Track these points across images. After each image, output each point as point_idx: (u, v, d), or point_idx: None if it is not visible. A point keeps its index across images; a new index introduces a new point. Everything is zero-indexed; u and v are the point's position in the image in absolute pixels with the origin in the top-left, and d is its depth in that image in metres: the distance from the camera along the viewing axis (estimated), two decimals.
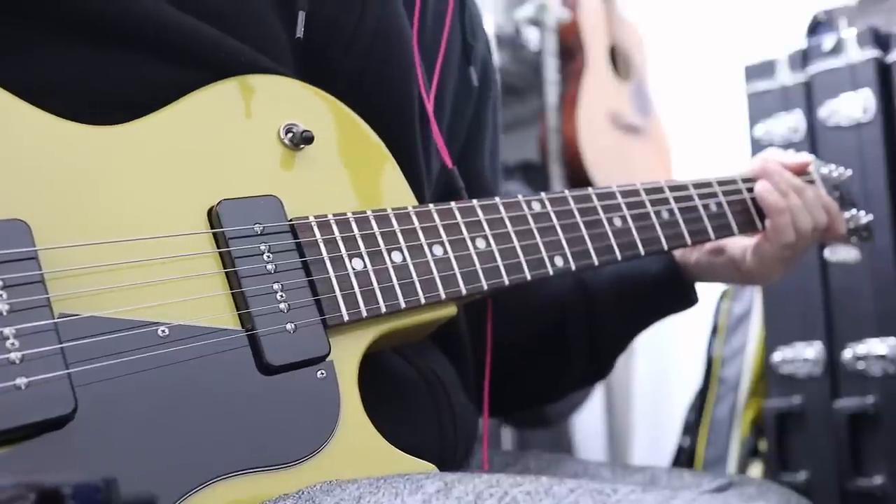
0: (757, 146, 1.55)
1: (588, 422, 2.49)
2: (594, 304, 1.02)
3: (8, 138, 0.57)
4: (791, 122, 1.51)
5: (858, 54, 1.45)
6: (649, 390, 2.47)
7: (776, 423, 1.48)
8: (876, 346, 1.38)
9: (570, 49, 2.34)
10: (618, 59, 2.46)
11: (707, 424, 1.66)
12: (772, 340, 1.51)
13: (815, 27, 1.61)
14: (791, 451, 1.47)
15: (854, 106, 1.44)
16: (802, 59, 1.52)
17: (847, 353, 1.41)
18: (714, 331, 1.72)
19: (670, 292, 1.03)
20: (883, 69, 1.43)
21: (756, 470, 1.59)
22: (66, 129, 0.60)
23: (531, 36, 2.33)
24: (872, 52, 1.43)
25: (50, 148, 0.58)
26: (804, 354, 1.45)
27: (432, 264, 0.71)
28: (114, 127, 0.62)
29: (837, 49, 1.48)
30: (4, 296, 0.52)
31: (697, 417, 1.69)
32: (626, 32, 2.51)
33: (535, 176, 2.32)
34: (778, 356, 1.49)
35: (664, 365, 2.42)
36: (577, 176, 2.22)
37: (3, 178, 0.56)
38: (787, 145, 1.51)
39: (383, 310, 0.67)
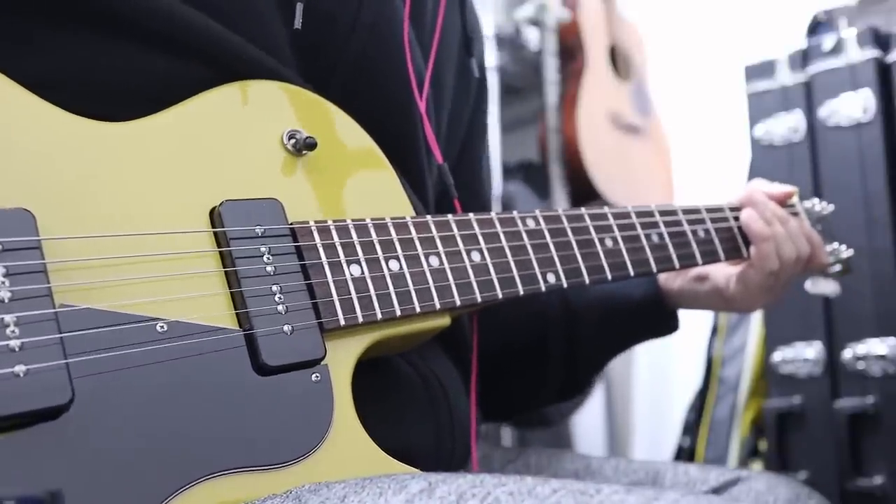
0: (757, 146, 1.55)
1: (588, 422, 2.49)
2: (575, 324, 1.04)
3: (16, 130, 0.57)
4: (791, 122, 1.51)
5: (858, 54, 1.45)
6: (649, 390, 2.47)
7: (776, 423, 1.48)
8: (876, 346, 1.38)
9: (570, 49, 2.34)
10: (618, 59, 2.46)
11: (707, 424, 1.66)
12: (772, 340, 1.51)
13: (815, 27, 1.60)
14: (791, 451, 1.47)
15: (854, 106, 1.43)
16: (802, 59, 1.52)
17: (847, 353, 1.41)
18: (714, 331, 1.72)
19: (650, 319, 1.05)
20: (883, 69, 1.43)
21: (756, 470, 1.59)
22: (75, 123, 0.60)
23: (531, 36, 2.33)
24: (872, 52, 1.43)
25: (57, 141, 0.59)
26: (804, 354, 1.45)
27: (428, 274, 0.72)
28: (121, 124, 0.63)
29: (837, 49, 1.47)
30: (7, 283, 0.52)
31: (697, 417, 1.69)
32: (626, 32, 2.51)
33: (535, 176, 2.32)
34: (778, 356, 1.49)
35: (664, 365, 2.42)
36: (577, 176, 2.22)
37: (10, 169, 0.56)
38: (787, 145, 1.51)
39: (379, 316, 0.67)
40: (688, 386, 1.80)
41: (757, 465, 1.59)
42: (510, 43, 2.30)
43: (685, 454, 1.70)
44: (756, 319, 1.64)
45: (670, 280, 1.04)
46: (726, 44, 2.43)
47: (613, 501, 0.52)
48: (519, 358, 1.05)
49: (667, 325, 1.06)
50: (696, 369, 1.74)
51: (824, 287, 1.09)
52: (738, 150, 1.72)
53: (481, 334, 0.89)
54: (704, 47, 2.56)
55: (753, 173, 1.57)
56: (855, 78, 1.44)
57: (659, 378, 2.35)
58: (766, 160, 1.54)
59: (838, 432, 1.39)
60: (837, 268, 1.08)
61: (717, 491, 0.89)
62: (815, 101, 1.49)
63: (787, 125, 1.51)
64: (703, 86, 2.55)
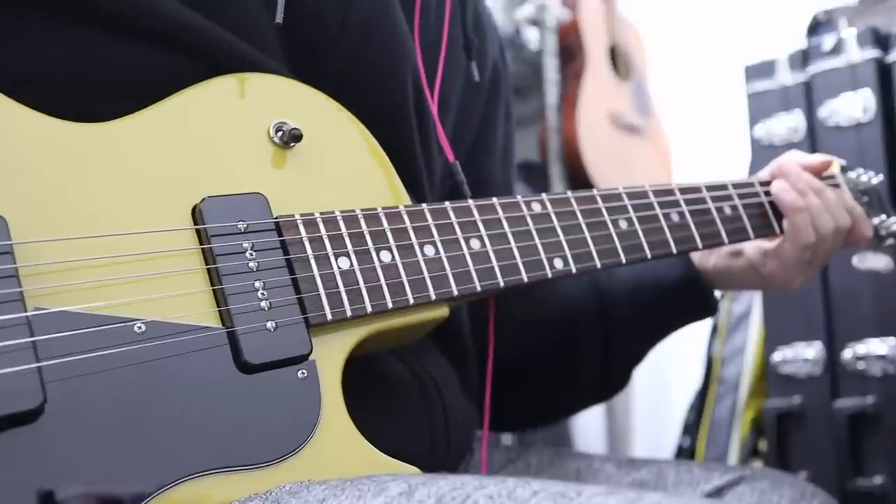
0: (757, 146, 1.55)
1: (588, 422, 2.48)
2: (609, 314, 1.00)
3: None
4: (791, 122, 1.51)
5: (858, 54, 1.44)
6: (649, 390, 2.46)
7: (776, 423, 1.47)
8: (876, 346, 1.37)
9: (570, 49, 2.34)
10: (618, 59, 2.46)
11: (707, 424, 1.65)
12: (772, 340, 1.50)
13: (815, 27, 1.60)
14: (791, 451, 1.47)
15: (854, 106, 1.43)
16: (802, 59, 1.52)
17: (847, 353, 1.40)
18: (714, 331, 1.71)
19: (689, 300, 1.01)
20: (883, 69, 1.42)
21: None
22: (49, 125, 0.59)
23: (531, 36, 2.33)
24: (872, 52, 1.43)
25: (31, 144, 0.58)
26: (804, 354, 1.45)
27: (423, 264, 0.70)
28: (100, 124, 0.62)
29: (837, 49, 1.47)
30: None
31: (697, 417, 1.69)
32: (626, 32, 2.51)
33: (535, 176, 2.31)
34: (778, 356, 1.48)
35: (664, 365, 2.41)
36: (577, 176, 2.22)
37: None
38: (787, 145, 1.50)
39: (369, 309, 0.66)
40: (688, 386, 1.80)
41: (757, 465, 1.58)
42: (510, 43, 2.30)
43: (685, 454, 1.69)
44: (756, 319, 1.63)
45: (704, 259, 1.00)
46: (726, 44, 2.43)
47: (594, 503, 0.51)
48: (549, 359, 1.01)
49: (706, 306, 1.02)
50: (696, 369, 1.74)
51: (873, 262, 1.03)
52: (738, 150, 1.72)
53: (499, 339, 0.87)
54: (704, 47, 2.56)
55: (753, 173, 1.57)
56: (855, 78, 1.44)
57: (659, 378, 2.34)
58: (766, 160, 1.51)
59: (838, 432, 1.38)
60: (890, 241, 1.02)
61: (721, 490, 0.87)
62: (815, 101, 1.48)
63: (787, 125, 1.51)
64: (703, 86, 2.55)
